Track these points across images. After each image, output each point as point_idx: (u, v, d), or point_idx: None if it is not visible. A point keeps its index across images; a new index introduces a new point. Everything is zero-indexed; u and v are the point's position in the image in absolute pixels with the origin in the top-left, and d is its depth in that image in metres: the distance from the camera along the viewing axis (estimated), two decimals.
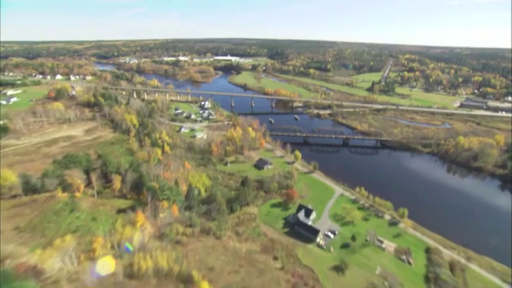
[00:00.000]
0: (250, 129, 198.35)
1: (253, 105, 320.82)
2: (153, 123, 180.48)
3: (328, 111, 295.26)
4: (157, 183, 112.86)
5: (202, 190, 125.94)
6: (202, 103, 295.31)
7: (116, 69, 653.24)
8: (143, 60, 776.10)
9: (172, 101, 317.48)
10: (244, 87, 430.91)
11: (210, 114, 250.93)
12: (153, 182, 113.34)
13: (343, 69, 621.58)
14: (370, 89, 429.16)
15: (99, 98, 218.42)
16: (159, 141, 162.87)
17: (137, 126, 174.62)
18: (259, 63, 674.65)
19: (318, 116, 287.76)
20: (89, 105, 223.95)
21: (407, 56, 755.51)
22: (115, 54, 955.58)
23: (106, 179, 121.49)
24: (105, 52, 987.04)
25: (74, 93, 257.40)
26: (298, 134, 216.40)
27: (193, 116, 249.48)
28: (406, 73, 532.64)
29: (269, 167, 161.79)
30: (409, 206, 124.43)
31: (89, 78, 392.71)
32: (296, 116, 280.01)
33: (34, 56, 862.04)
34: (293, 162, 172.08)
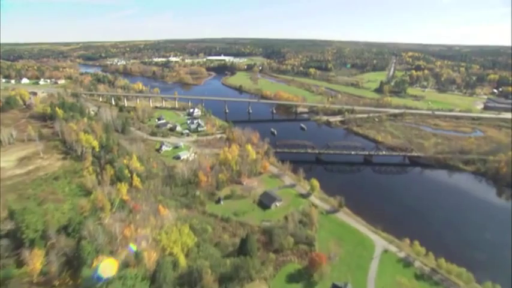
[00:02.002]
0: (249, 147, 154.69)
1: (250, 111, 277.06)
2: (120, 145, 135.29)
3: (339, 118, 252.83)
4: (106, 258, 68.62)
5: (182, 258, 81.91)
6: (191, 110, 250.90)
7: (101, 71, 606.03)
8: (131, 61, 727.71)
9: (156, 107, 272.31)
10: (240, 90, 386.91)
11: (199, 125, 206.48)
12: (99, 258, 69.07)
13: (344, 69, 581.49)
14: (378, 90, 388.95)
15: (57, 108, 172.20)
16: (126, 171, 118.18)
17: (98, 149, 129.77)
18: (255, 62, 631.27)
19: (328, 123, 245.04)
20: (44, 118, 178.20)
21: (410, 53, 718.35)
22: (102, 55, 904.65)
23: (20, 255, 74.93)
24: (92, 53, 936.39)
25: (32, 101, 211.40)
26: (309, 150, 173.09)
27: (178, 128, 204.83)
28: (414, 72, 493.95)
29: (278, 204, 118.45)
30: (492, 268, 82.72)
31: (61, 82, 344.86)
32: (303, 125, 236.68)
33: (16, 58, 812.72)
34: (309, 195, 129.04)
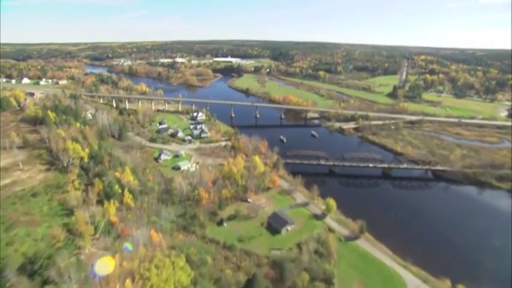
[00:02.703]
0: (257, 158, 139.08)
1: (257, 116, 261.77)
2: (113, 155, 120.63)
3: (352, 125, 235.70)
4: None
5: None
6: (195, 114, 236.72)
7: (107, 71, 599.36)
8: (137, 62, 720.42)
9: (158, 111, 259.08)
10: (247, 93, 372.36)
11: (202, 131, 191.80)
12: None
13: (354, 72, 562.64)
14: (391, 95, 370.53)
15: (49, 112, 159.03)
16: (117, 186, 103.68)
17: (86, 160, 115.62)
18: (263, 65, 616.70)
19: (341, 131, 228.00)
20: (35, 122, 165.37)
21: (422, 57, 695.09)
22: (109, 55, 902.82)
23: None
24: (99, 54, 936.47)
25: (27, 103, 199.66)
26: (322, 162, 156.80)
27: (180, 134, 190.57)
28: (428, 76, 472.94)
29: (289, 228, 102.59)
30: None
31: (63, 82, 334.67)
32: (314, 133, 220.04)
33: (24, 58, 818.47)
34: (324, 215, 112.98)
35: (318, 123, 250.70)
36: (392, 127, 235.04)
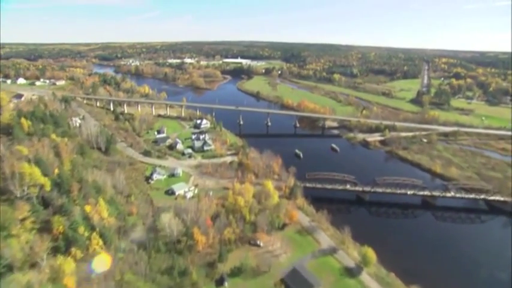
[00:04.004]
0: (269, 184, 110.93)
1: (269, 124, 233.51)
2: (84, 180, 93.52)
3: (378, 137, 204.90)
4: None
5: None
6: (199, 121, 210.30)
7: (114, 71, 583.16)
8: (146, 62, 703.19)
9: (159, 116, 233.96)
10: (257, 97, 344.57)
11: (205, 143, 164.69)
12: None
13: (371, 75, 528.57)
14: (416, 101, 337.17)
15: (23, 119, 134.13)
16: (82, 228, 77.16)
17: (49, 188, 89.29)
18: (274, 66, 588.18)
19: (365, 144, 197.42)
20: (8, 131, 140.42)
21: (444, 59, 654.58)
22: (118, 55, 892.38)
23: None
24: (108, 54, 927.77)
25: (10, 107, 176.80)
26: (350, 187, 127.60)
27: (180, 146, 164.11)
28: (454, 80, 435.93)
29: None
30: None
31: (61, 83, 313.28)
32: (334, 146, 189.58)
33: (36, 58, 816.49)
34: (359, 270, 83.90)
35: (338, 134, 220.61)
36: (424, 140, 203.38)
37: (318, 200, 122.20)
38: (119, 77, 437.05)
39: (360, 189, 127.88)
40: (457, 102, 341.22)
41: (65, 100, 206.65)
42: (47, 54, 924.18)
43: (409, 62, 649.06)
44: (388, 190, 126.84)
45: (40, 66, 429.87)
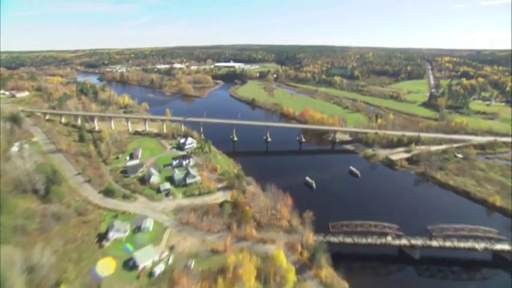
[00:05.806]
0: (281, 255, 71.83)
1: (269, 140, 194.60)
2: None
3: (403, 153, 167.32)
4: None
5: None
6: (183, 140, 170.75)
7: (98, 79, 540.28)
8: (133, 68, 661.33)
9: (136, 133, 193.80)
10: (252, 104, 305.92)
11: (188, 174, 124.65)
12: None
13: (373, 76, 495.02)
14: (429, 104, 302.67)
15: None
16: None
17: None
18: (269, 69, 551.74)
19: (390, 163, 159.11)
20: None
21: (446, 58, 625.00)
22: (105, 62, 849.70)
23: None
24: (95, 60, 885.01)
25: None
26: (391, 240, 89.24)
27: (155, 178, 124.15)
28: (464, 80, 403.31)
29: None
30: None
31: (23, 94, 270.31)
32: (353, 169, 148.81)
33: (17, 66, 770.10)
34: None
35: (352, 149, 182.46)
36: (459, 155, 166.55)
37: (343, 257, 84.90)
38: (100, 85, 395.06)
39: (407, 242, 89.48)
40: (474, 104, 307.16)
41: (14, 119, 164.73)
42: (29, 62, 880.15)
43: (411, 61, 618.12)
44: (448, 244, 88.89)
45: (5, 75, 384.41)
